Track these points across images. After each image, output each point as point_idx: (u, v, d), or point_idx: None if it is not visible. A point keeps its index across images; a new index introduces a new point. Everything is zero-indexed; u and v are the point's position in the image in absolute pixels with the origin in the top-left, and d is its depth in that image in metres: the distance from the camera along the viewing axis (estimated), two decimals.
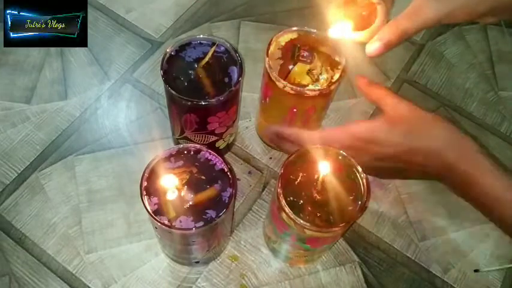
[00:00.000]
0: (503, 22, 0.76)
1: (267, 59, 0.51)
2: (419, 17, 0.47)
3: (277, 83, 0.50)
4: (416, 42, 0.74)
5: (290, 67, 0.52)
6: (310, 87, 0.51)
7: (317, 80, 0.51)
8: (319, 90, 0.50)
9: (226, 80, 0.50)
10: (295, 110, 0.53)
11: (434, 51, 0.74)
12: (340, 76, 0.51)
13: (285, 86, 0.50)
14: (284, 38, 0.53)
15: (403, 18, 0.47)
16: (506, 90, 0.71)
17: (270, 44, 0.52)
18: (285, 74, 0.52)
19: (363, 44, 0.49)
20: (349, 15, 0.50)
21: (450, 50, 0.74)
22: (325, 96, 0.52)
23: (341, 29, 0.49)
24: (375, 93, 0.50)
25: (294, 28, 0.53)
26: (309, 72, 0.52)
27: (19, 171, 0.59)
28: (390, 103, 0.49)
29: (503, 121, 0.69)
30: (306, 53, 0.52)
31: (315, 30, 0.53)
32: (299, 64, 0.52)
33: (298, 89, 0.50)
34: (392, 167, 0.45)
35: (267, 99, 0.55)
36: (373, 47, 0.47)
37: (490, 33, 0.76)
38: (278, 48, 0.53)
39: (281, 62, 0.52)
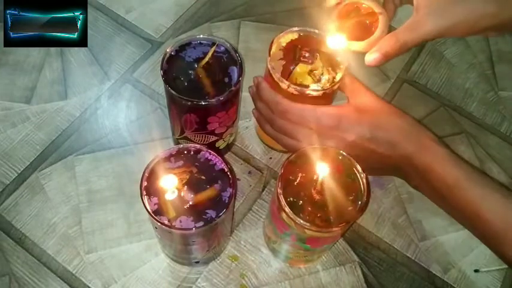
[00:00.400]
0: None
1: (269, 59, 0.51)
2: (418, 31, 0.47)
3: (280, 84, 0.50)
4: None
5: (292, 68, 0.52)
6: (313, 87, 0.51)
7: (318, 80, 0.51)
8: (322, 90, 0.50)
9: (226, 80, 0.50)
10: None
11: (434, 51, 0.74)
12: (343, 76, 0.51)
13: (288, 87, 0.50)
14: (285, 38, 0.53)
15: (403, 30, 0.47)
16: (506, 90, 0.71)
17: (271, 45, 0.52)
18: (287, 75, 0.52)
19: (363, 54, 0.49)
20: (351, 23, 0.51)
21: (450, 50, 0.74)
22: (328, 96, 0.52)
23: (340, 39, 0.49)
24: (343, 82, 0.52)
25: (295, 28, 0.53)
26: (311, 72, 0.51)
27: (19, 171, 0.59)
28: (358, 92, 0.52)
29: (503, 121, 0.69)
30: (307, 54, 0.52)
31: (316, 31, 0.53)
32: (300, 65, 0.52)
33: (302, 89, 0.50)
34: (352, 154, 0.47)
35: None
36: (372, 57, 0.48)
37: None
38: (279, 49, 0.53)
39: (283, 62, 0.52)
